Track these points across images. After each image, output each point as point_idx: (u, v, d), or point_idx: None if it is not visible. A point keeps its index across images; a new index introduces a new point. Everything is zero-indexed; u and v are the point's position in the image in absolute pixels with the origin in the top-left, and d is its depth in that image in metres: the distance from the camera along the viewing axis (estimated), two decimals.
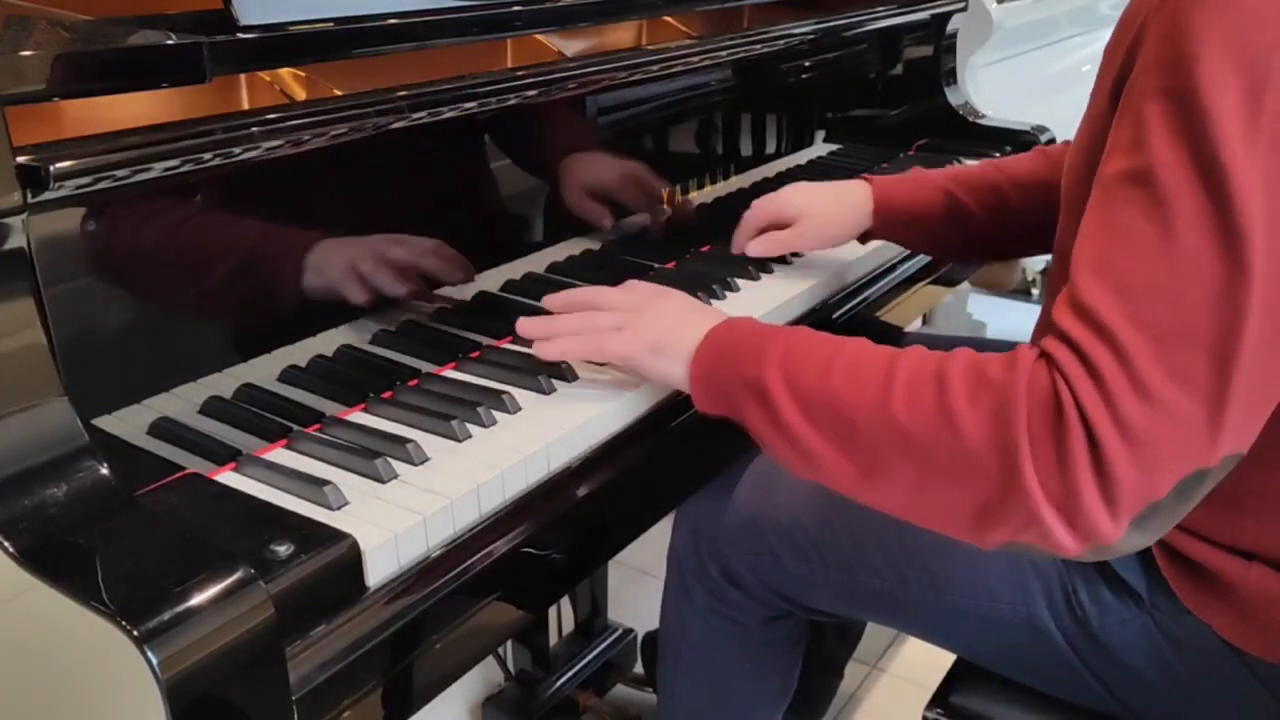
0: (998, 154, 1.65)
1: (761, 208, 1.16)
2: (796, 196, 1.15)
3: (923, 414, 0.69)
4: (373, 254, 0.91)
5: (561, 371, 0.90)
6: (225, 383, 0.82)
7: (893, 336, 1.30)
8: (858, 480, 0.74)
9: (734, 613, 1.08)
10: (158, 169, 0.72)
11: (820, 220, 1.14)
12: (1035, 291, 2.95)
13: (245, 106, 0.96)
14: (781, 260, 1.19)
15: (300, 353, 0.87)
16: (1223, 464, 0.65)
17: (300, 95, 0.96)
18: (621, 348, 0.87)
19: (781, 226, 1.15)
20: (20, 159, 0.64)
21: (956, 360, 0.70)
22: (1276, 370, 0.65)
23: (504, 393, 0.86)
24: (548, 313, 0.93)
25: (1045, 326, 0.71)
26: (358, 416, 0.85)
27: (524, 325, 0.91)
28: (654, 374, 0.87)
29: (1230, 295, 0.62)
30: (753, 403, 0.78)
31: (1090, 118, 0.80)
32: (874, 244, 1.23)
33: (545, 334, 0.90)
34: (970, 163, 1.62)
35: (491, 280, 1.03)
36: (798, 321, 1.10)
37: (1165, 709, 0.91)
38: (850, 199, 1.16)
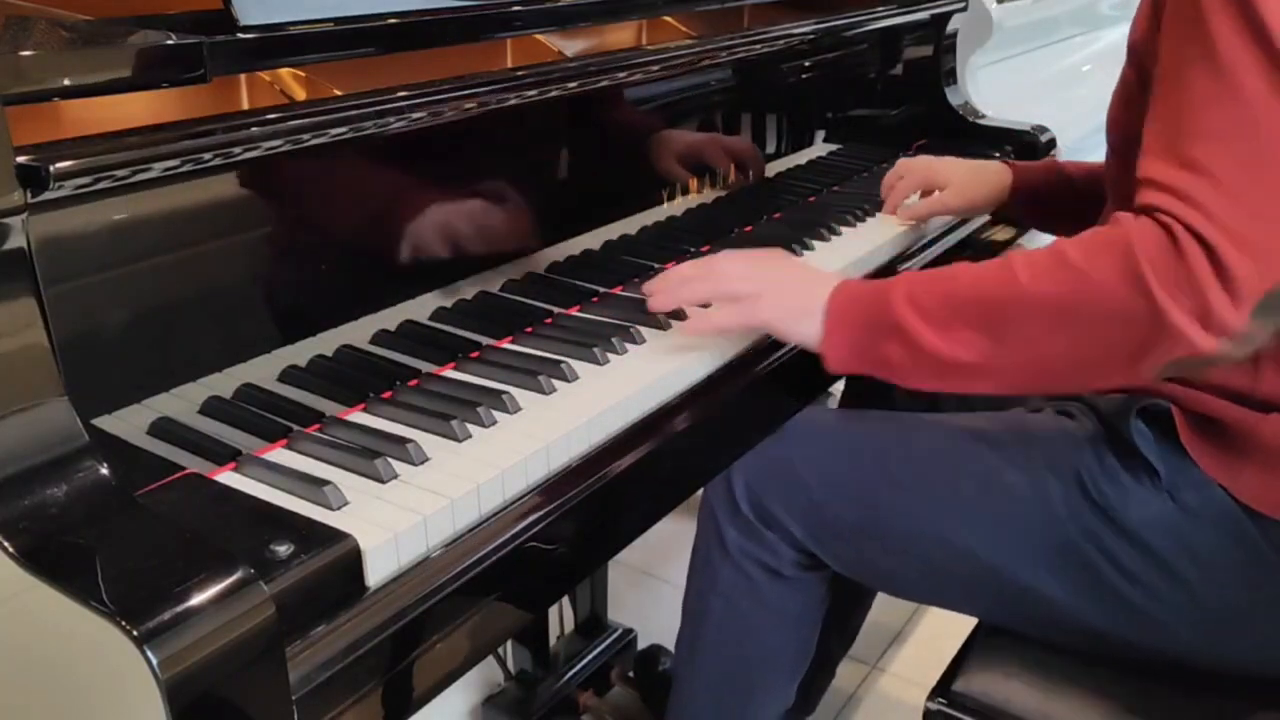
0: (997, 154, 1.65)
1: (915, 174, 1.32)
2: (943, 166, 1.33)
3: (1055, 282, 0.79)
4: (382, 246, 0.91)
5: (561, 371, 0.90)
6: (225, 383, 0.82)
7: None
8: (1019, 369, 0.83)
9: (766, 556, 1.09)
10: (158, 169, 0.72)
11: (963, 187, 1.31)
12: None
13: (245, 106, 0.96)
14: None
15: (300, 353, 0.87)
16: None
17: (300, 95, 0.96)
18: (770, 314, 0.93)
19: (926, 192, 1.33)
20: (20, 159, 0.64)
21: (1061, 239, 0.81)
22: None
23: (504, 393, 0.85)
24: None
25: (1125, 199, 0.83)
26: (358, 416, 0.85)
27: (655, 302, 0.96)
28: (796, 336, 0.94)
29: None
30: (891, 343, 0.85)
31: (1130, 51, 0.94)
32: (875, 244, 1.23)
33: (664, 305, 0.95)
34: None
35: (491, 280, 1.03)
36: None
37: (1181, 595, 0.92)
38: (987, 172, 1.34)
